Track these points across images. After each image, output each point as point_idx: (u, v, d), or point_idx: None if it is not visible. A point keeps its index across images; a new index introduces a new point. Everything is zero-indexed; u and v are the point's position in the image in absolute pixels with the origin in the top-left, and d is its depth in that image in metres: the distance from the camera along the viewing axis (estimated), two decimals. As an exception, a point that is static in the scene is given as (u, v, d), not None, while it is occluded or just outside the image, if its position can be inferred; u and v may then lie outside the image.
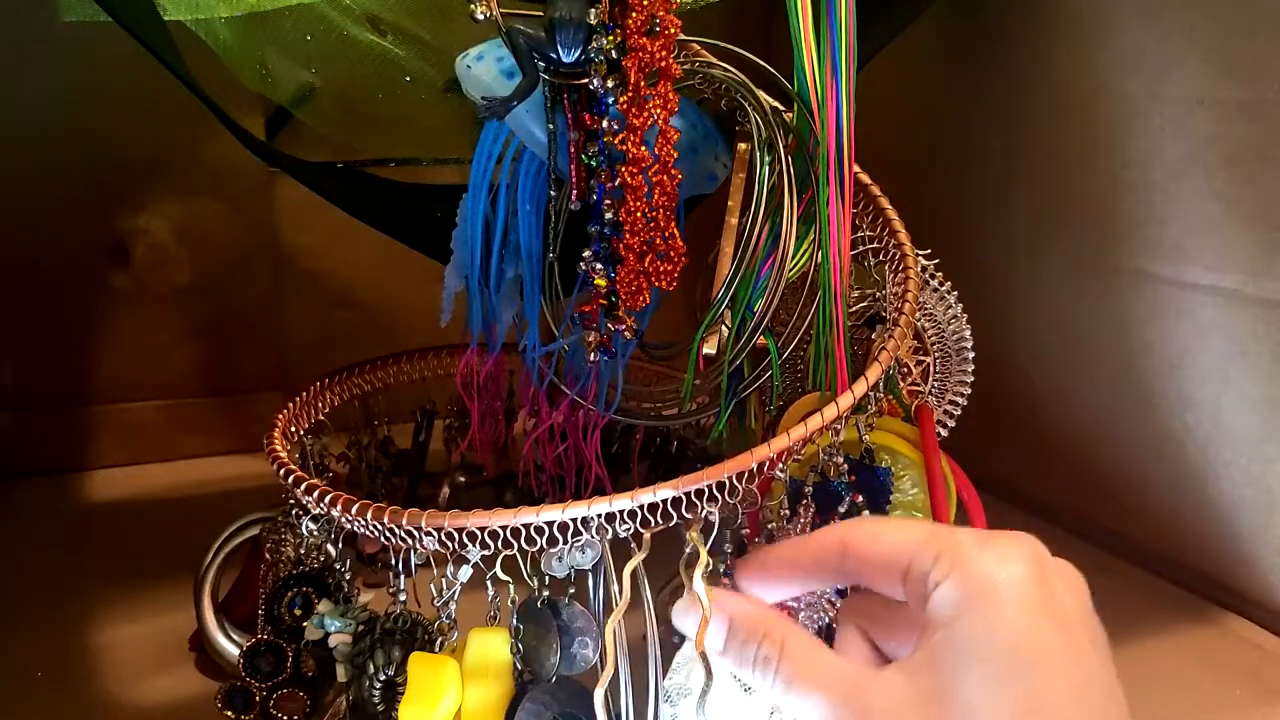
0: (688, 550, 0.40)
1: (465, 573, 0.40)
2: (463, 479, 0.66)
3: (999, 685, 0.28)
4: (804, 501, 0.44)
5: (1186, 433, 0.61)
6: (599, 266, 0.43)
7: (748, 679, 0.32)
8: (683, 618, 0.35)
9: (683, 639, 0.40)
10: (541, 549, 0.39)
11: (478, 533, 0.38)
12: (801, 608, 0.43)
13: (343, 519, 0.41)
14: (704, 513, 0.39)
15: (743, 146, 0.48)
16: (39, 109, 0.71)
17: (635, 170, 0.41)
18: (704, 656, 0.39)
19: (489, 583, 0.40)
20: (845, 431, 0.45)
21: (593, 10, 0.39)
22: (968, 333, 0.51)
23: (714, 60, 0.48)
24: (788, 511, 0.44)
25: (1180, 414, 0.61)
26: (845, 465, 0.45)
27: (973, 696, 0.29)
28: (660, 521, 0.39)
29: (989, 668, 0.29)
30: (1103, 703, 0.29)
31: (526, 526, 0.38)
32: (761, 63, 0.46)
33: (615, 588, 0.40)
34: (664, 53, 0.39)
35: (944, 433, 0.53)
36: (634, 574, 0.39)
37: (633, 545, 0.39)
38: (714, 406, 0.48)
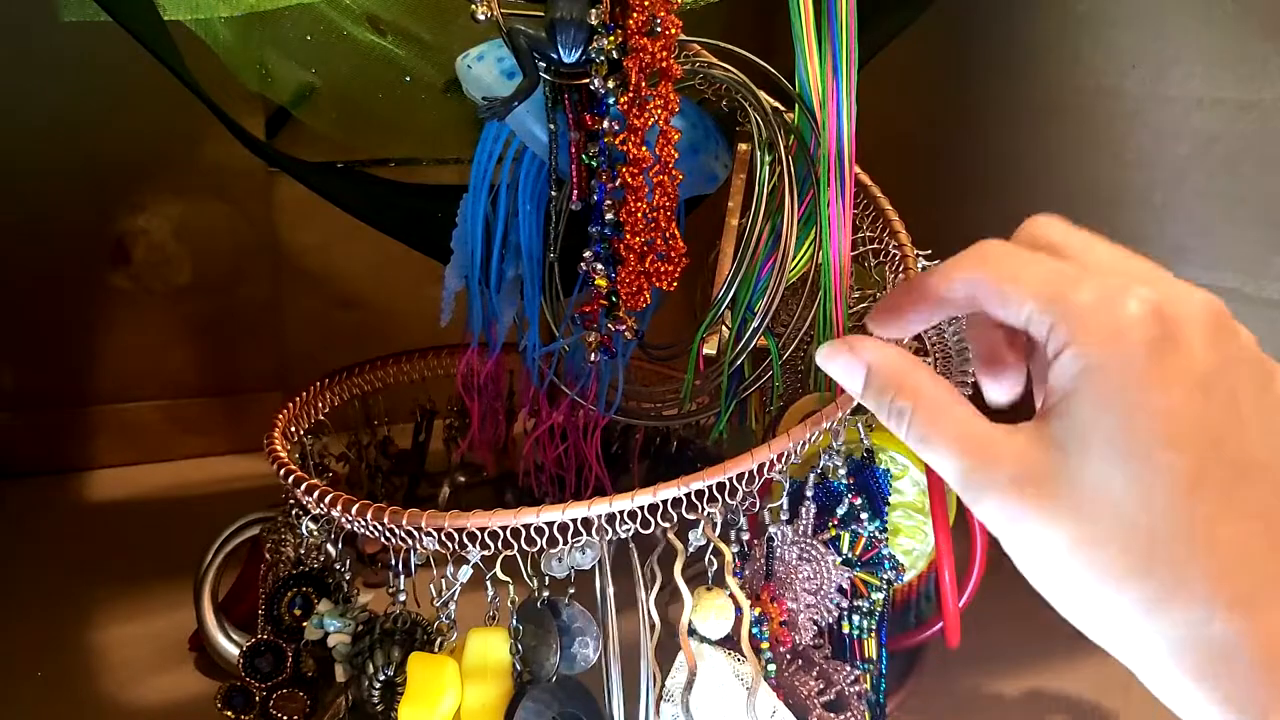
0: (688, 552, 0.40)
1: (465, 573, 0.40)
2: (463, 479, 0.66)
3: (1123, 466, 0.28)
4: (804, 503, 0.44)
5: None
6: (599, 267, 0.43)
7: (885, 424, 0.33)
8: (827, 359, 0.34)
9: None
10: (541, 549, 0.39)
11: (477, 533, 0.38)
12: (801, 609, 0.43)
13: (342, 519, 0.41)
14: (704, 513, 0.40)
15: (743, 147, 0.48)
16: (39, 109, 0.70)
17: (636, 171, 0.41)
18: (689, 663, 0.39)
19: (489, 583, 0.40)
20: (846, 432, 0.45)
21: (594, 10, 0.39)
22: (968, 333, 0.51)
23: (715, 60, 0.48)
24: (788, 514, 0.44)
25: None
26: (844, 467, 0.45)
27: (1095, 476, 0.28)
28: (660, 522, 0.39)
29: (1111, 448, 0.28)
30: (1254, 460, 0.28)
31: (526, 527, 0.38)
32: (762, 63, 0.46)
33: (641, 591, 0.40)
34: (665, 53, 0.39)
35: (944, 433, 0.53)
36: (630, 577, 0.40)
37: (663, 542, 0.40)
38: (714, 407, 0.48)
